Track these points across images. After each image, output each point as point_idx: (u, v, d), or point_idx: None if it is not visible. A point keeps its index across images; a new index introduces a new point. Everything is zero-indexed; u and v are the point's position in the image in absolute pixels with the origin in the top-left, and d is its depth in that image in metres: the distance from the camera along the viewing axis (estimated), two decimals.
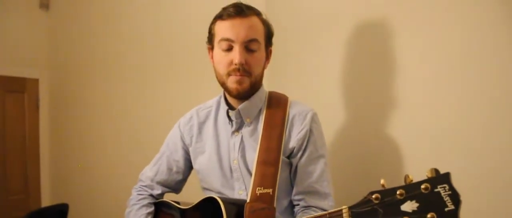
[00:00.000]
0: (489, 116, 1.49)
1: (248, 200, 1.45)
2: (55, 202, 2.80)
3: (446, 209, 0.90)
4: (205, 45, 1.65)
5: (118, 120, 2.41)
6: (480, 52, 1.51)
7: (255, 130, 1.59)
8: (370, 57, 1.87)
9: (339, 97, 2.00)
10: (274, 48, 1.66)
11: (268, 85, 1.72)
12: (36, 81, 3.52)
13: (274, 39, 1.66)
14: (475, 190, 1.47)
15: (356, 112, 1.95)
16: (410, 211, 0.94)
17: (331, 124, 1.95)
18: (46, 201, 3.15)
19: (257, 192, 1.45)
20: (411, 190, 0.95)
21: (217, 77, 1.60)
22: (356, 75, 1.94)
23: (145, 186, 1.78)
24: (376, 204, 0.99)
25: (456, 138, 1.56)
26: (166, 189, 1.77)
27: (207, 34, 1.63)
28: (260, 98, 1.61)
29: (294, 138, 1.55)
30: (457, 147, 1.55)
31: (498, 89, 1.47)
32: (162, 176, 1.76)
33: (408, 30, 1.73)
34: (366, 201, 1.01)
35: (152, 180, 1.77)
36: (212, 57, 1.62)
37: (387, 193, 0.98)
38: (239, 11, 1.52)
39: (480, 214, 1.46)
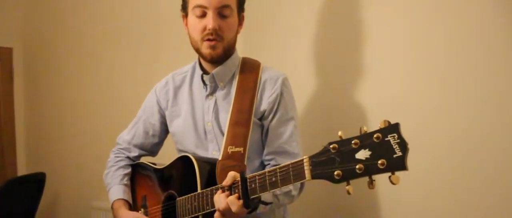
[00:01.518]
0: (448, 80, 1.58)
1: (220, 158, 1.52)
2: (31, 171, 2.82)
3: (395, 155, 0.98)
4: (180, 14, 1.70)
5: (93, 88, 2.43)
6: (443, 21, 1.59)
7: (228, 93, 1.66)
8: (343, 26, 1.93)
9: (311, 63, 2.07)
10: (250, 15, 1.71)
11: (244, 51, 1.78)
12: (9, 50, 3.43)
13: (250, 7, 1.71)
14: (425, 150, 1.58)
15: (327, 78, 2.03)
16: (364, 158, 1.02)
17: (303, 88, 2.03)
18: (23, 170, 3.15)
19: (228, 150, 1.53)
20: (365, 139, 1.03)
21: (191, 43, 1.66)
22: (329, 43, 2.01)
23: (123, 148, 1.84)
24: (334, 153, 1.07)
25: (415, 103, 1.66)
26: (143, 152, 1.84)
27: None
28: (233, 63, 1.68)
29: (265, 100, 1.62)
30: (416, 111, 1.65)
31: (457, 56, 1.56)
32: (139, 139, 1.82)
33: (377, 2, 1.80)
34: (325, 150, 1.09)
35: (129, 143, 1.83)
36: (186, 24, 1.67)
37: (343, 143, 1.06)
38: None
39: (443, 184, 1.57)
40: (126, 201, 1.73)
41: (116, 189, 1.75)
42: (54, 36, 2.48)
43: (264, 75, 1.66)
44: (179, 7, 1.68)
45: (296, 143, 1.62)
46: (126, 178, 1.78)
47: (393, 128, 1.00)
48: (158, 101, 1.78)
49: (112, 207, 1.73)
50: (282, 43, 2.23)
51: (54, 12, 2.47)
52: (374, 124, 1.04)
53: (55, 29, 2.49)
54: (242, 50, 1.75)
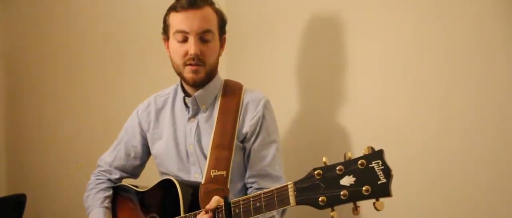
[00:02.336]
0: (433, 106, 1.59)
1: (203, 182, 1.52)
2: (11, 192, 2.75)
3: (379, 182, 0.99)
4: (161, 35, 1.70)
5: (77, 108, 2.41)
6: (425, 50, 1.60)
7: (210, 116, 1.66)
8: (326, 49, 1.94)
9: (293, 88, 2.08)
10: (233, 39, 1.72)
11: (227, 74, 1.78)
12: None
13: (233, 30, 1.72)
14: (412, 177, 1.58)
15: (309, 102, 2.03)
16: (348, 184, 1.03)
17: (285, 112, 2.04)
18: (2, 191, 3.09)
19: (211, 174, 1.53)
20: (349, 165, 1.03)
21: (173, 66, 1.66)
22: (310, 68, 2.02)
23: (104, 171, 1.82)
24: (318, 179, 1.07)
25: (400, 129, 1.66)
26: (124, 174, 1.82)
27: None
28: (215, 86, 1.68)
29: (247, 123, 1.62)
30: (399, 138, 1.65)
31: (441, 85, 1.56)
32: (120, 162, 1.81)
33: (359, 28, 1.81)
34: (310, 176, 1.09)
35: (110, 165, 1.81)
36: (167, 47, 1.67)
37: (328, 169, 1.06)
38: (192, 3, 1.57)
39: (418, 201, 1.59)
40: None
41: (97, 212, 1.72)
42: (38, 54, 2.44)
43: (246, 98, 1.66)
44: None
45: (278, 166, 1.62)
46: (107, 201, 1.75)
47: (377, 155, 1.01)
48: (140, 123, 1.77)
49: None
50: (264, 65, 2.24)
51: (38, 29, 2.44)
52: (358, 149, 1.05)
53: (39, 47, 2.45)
54: (224, 71, 1.75)
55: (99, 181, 1.80)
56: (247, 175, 1.63)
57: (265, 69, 2.23)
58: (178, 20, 1.59)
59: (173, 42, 1.61)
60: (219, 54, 1.68)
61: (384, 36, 1.72)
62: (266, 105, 1.66)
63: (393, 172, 1.00)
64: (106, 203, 1.75)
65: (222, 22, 1.68)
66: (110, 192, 1.78)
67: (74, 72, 2.41)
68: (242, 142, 1.63)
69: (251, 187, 1.62)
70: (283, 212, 1.60)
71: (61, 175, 2.32)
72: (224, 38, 1.70)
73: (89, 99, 2.42)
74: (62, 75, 2.41)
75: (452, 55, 1.53)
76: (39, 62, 2.42)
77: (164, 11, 1.67)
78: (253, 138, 1.62)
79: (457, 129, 1.52)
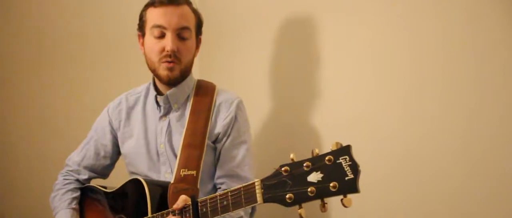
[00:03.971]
0: (405, 101, 1.59)
1: (172, 181, 1.48)
2: None
3: (347, 178, 0.97)
4: (135, 33, 1.67)
5: (44, 108, 2.35)
6: (397, 50, 1.61)
7: (182, 115, 1.63)
8: (299, 48, 1.94)
9: (265, 87, 2.07)
10: (208, 39, 1.70)
11: (200, 74, 1.76)
12: None
13: (207, 31, 1.70)
14: (380, 172, 1.59)
15: (281, 101, 2.03)
16: (316, 181, 1.01)
17: (257, 111, 2.03)
18: None
19: (181, 173, 1.50)
20: (317, 162, 1.01)
21: (148, 63, 1.63)
22: (282, 68, 2.02)
23: (72, 170, 1.77)
24: (285, 176, 1.05)
25: (368, 126, 1.66)
26: (93, 174, 1.78)
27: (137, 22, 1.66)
28: (188, 85, 1.66)
29: (219, 123, 1.60)
30: (369, 133, 1.66)
31: (410, 80, 1.57)
32: (89, 161, 1.76)
33: (331, 27, 1.82)
34: (277, 173, 1.07)
35: (78, 165, 1.77)
36: (142, 44, 1.64)
37: (295, 166, 1.04)
38: (172, 0, 1.56)
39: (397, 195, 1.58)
40: None
41: (64, 213, 1.67)
42: (6, 56, 2.38)
43: (219, 98, 1.64)
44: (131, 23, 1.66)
45: (248, 166, 1.60)
46: (74, 202, 1.70)
47: (345, 150, 0.99)
48: (110, 121, 1.74)
49: None
50: (236, 64, 2.23)
51: (10, 29, 2.38)
52: (330, 145, 1.03)
53: (5, 49, 2.39)
54: (197, 72, 1.73)
55: (67, 181, 1.75)
56: (216, 175, 1.61)
57: (237, 68, 2.22)
58: (156, 15, 1.57)
59: (150, 38, 1.58)
60: (194, 55, 1.66)
61: (356, 37, 1.73)
62: (239, 106, 1.64)
63: (361, 168, 0.98)
64: (74, 205, 1.70)
65: (199, 23, 1.66)
66: (77, 193, 1.73)
67: (41, 72, 2.35)
68: (214, 142, 1.61)
69: (219, 188, 1.60)
70: (252, 212, 1.57)
71: (27, 175, 2.25)
72: (200, 39, 1.69)
73: (56, 99, 2.36)
74: (31, 74, 2.35)
75: (425, 56, 1.54)
76: (5, 64, 2.36)
77: (138, 9, 1.64)
78: (224, 139, 1.60)
79: (431, 125, 1.52)
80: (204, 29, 1.71)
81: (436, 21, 1.50)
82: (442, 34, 1.48)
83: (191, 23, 1.61)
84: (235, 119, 1.61)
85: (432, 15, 1.51)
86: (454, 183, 1.45)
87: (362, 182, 0.98)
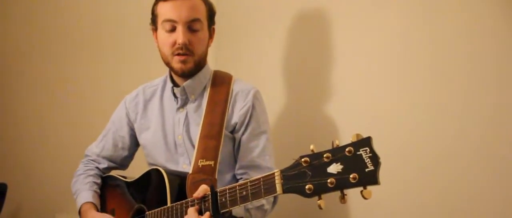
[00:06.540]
0: (418, 94, 1.59)
1: (190, 172, 1.49)
2: None
3: (367, 169, 0.97)
4: (149, 27, 1.68)
5: (60, 97, 2.37)
6: (411, 45, 1.60)
7: (199, 106, 1.64)
8: (314, 40, 1.94)
9: (283, 76, 2.07)
10: (223, 31, 1.70)
11: (215, 64, 1.76)
12: None
13: (223, 23, 1.70)
14: (398, 164, 1.58)
15: (299, 90, 2.03)
16: (335, 172, 1.01)
17: (275, 101, 2.03)
18: None
19: (199, 164, 1.51)
20: (337, 153, 1.01)
21: (162, 57, 1.64)
22: (299, 61, 2.02)
23: (92, 160, 1.80)
24: (305, 167, 1.05)
25: (387, 116, 1.66)
26: (112, 164, 1.80)
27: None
28: (204, 76, 1.66)
29: (236, 113, 1.61)
30: (389, 124, 1.66)
31: (427, 80, 1.57)
32: (108, 152, 1.79)
33: (347, 22, 1.81)
34: (297, 164, 1.07)
35: (98, 155, 1.80)
36: (156, 38, 1.65)
37: (315, 157, 1.04)
38: None
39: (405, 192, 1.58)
40: (95, 205, 1.66)
41: (85, 194, 1.68)
42: (18, 42, 2.40)
43: (235, 88, 1.65)
44: (149, 16, 1.66)
45: (268, 156, 1.61)
46: (95, 186, 1.72)
47: (365, 142, 0.99)
48: (127, 113, 1.75)
49: (79, 211, 1.66)
50: (254, 56, 2.23)
51: (20, 18, 2.39)
52: (346, 138, 1.03)
53: (19, 36, 2.41)
54: (213, 63, 1.73)
55: (88, 167, 1.78)
56: (237, 166, 1.61)
57: (254, 61, 2.22)
58: (166, 9, 1.57)
59: (161, 32, 1.59)
60: (208, 45, 1.66)
61: (371, 31, 1.72)
62: (256, 96, 1.64)
63: (381, 160, 0.98)
64: (95, 188, 1.72)
65: (210, 12, 1.66)
66: (98, 180, 1.75)
67: (57, 60, 2.37)
68: (232, 132, 1.61)
69: (240, 178, 1.60)
70: (275, 201, 1.58)
71: (44, 163, 2.28)
72: (213, 29, 1.69)
73: (75, 89, 2.39)
74: (45, 63, 2.37)
75: (440, 51, 1.53)
76: (20, 51, 2.38)
77: (152, 3, 1.65)
78: (242, 128, 1.60)
79: (443, 122, 1.52)
80: (221, 22, 1.70)
81: (458, 15, 1.48)
82: (465, 29, 1.46)
83: (202, 14, 1.61)
84: (252, 108, 1.61)
85: (455, 8, 1.49)
86: (474, 181, 1.44)
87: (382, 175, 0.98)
